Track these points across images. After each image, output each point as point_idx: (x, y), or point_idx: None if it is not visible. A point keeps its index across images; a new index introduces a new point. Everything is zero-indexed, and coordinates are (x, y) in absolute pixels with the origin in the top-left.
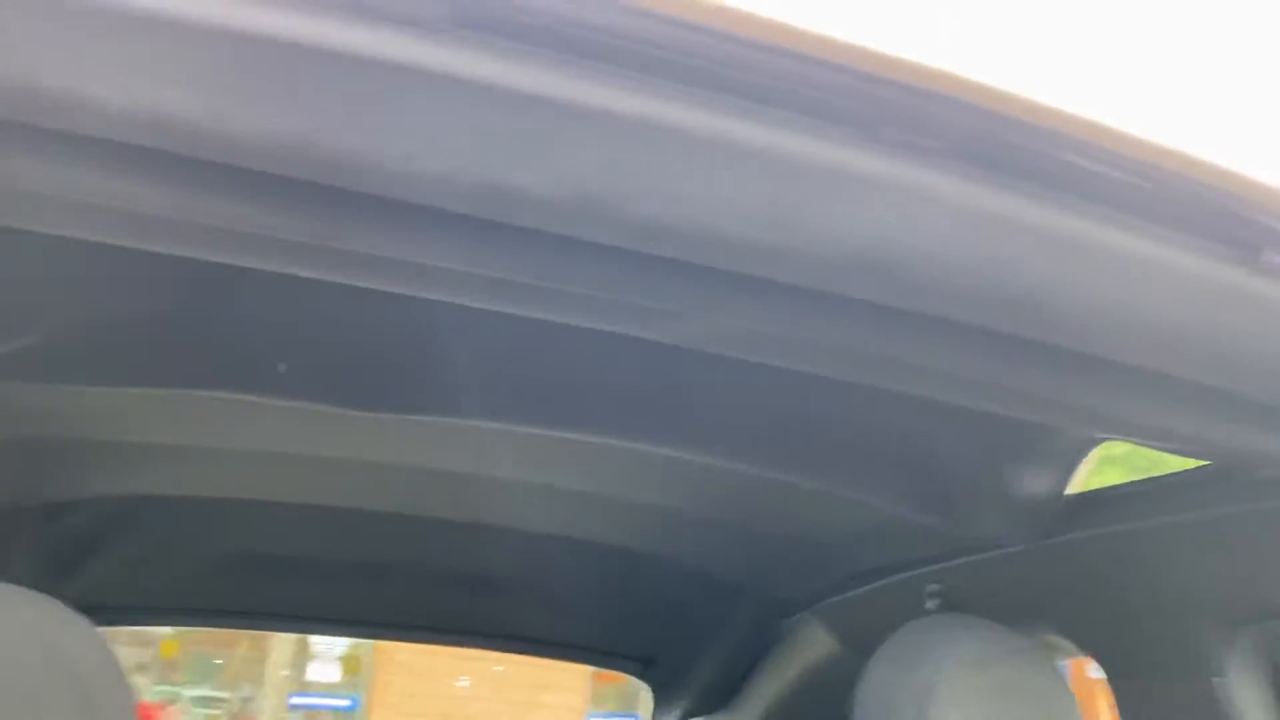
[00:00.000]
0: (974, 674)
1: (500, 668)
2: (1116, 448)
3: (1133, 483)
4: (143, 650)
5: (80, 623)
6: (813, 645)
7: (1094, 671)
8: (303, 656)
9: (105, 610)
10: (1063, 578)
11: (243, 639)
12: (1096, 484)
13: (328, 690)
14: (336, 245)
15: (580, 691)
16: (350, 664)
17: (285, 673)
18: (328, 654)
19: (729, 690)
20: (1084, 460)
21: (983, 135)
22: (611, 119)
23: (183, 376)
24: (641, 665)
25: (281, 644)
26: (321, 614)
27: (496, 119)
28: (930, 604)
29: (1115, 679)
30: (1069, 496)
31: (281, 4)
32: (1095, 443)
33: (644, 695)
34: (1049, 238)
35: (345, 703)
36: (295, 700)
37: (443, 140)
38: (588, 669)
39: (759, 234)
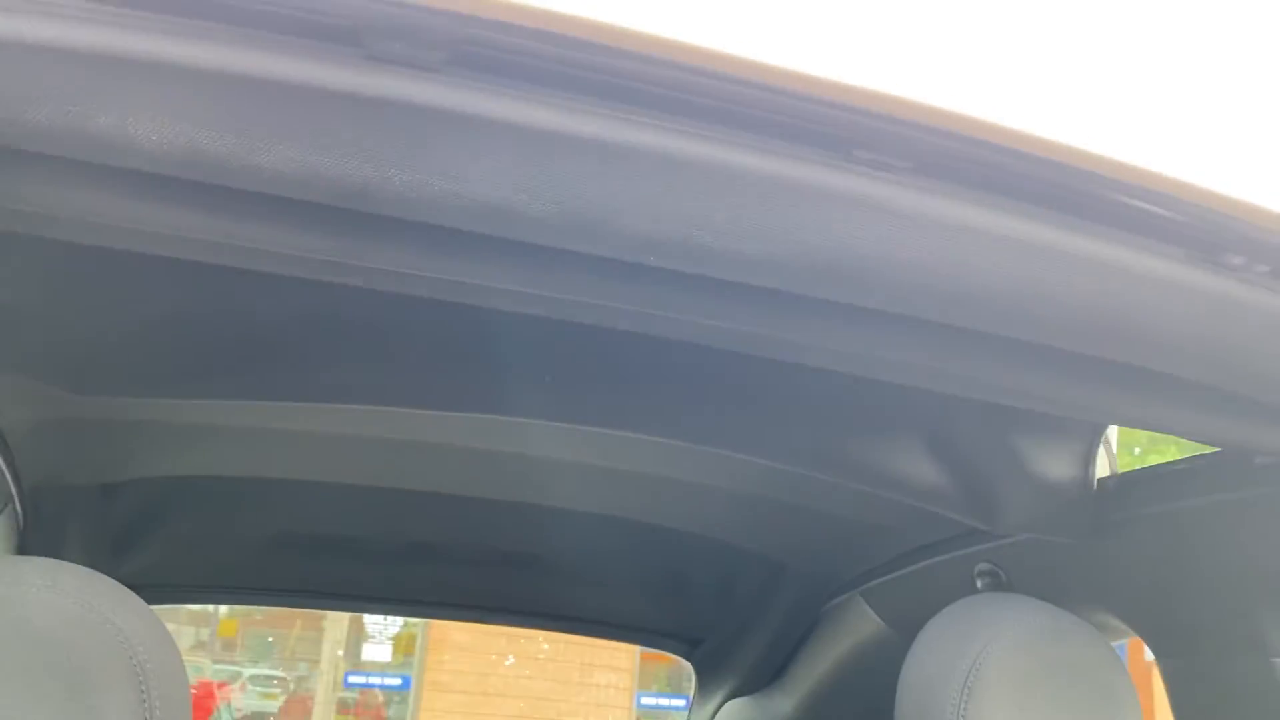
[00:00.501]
0: (1024, 653)
1: (546, 646)
2: None
3: (1186, 459)
4: (201, 629)
5: (134, 600)
6: (858, 625)
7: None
8: (357, 636)
9: (156, 588)
10: (1115, 557)
11: (299, 619)
12: (1154, 461)
13: (381, 669)
14: (355, 261)
15: (629, 671)
16: (403, 644)
17: (340, 652)
18: (381, 634)
19: (773, 670)
20: (1100, 443)
21: (953, 155)
22: (597, 146)
23: (232, 380)
24: (687, 645)
25: (336, 624)
26: (373, 593)
27: (490, 148)
28: (979, 584)
29: (1167, 659)
30: (1120, 475)
31: (302, 54)
32: (1103, 426)
33: (691, 678)
34: (1020, 245)
35: (397, 681)
36: (350, 679)
37: (445, 167)
38: (636, 650)
39: (743, 246)
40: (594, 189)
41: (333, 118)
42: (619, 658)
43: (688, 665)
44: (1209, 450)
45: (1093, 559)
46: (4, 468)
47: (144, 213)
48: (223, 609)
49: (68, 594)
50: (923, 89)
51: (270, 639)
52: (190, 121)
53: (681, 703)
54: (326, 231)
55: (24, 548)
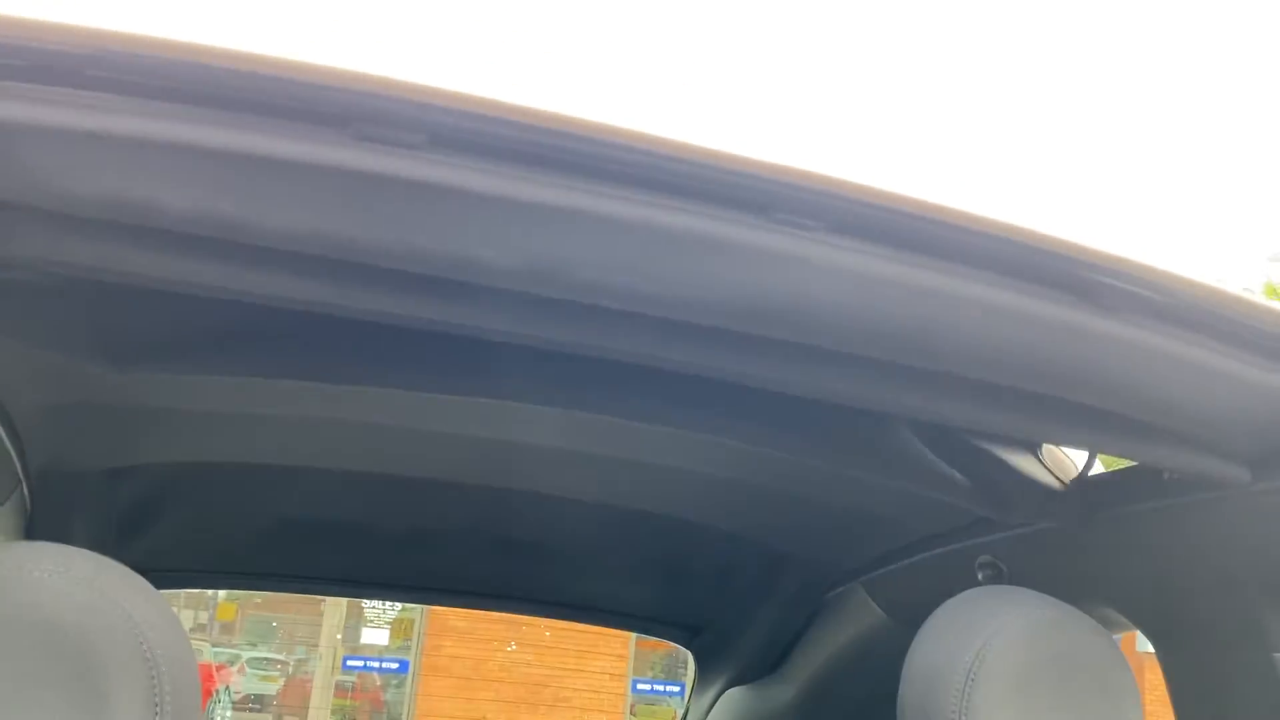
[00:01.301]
0: (1027, 646)
1: (548, 633)
2: None
3: None
4: (200, 612)
5: (144, 585)
6: (859, 616)
7: (1143, 645)
8: (356, 620)
9: (163, 573)
10: (1116, 550)
11: (298, 603)
12: None
13: (379, 653)
14: (348, 302)
15: (624, 658)
16: (402, 628)
17: (339, 636)
18: (380, 618)
19: (773, 660)
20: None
21: (859, 216)
22: (551, 211)
23: (245, 362)
24: (687, 633)
25: (335, 608)
26: (376, 579)
27: (460, 212)
28: (980, 576)
29: (1168, 653)
30: (1119, 470)
31: (301, 136)
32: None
33: (686, 664)
34: (918, 290)
35: (395, 665)
36: (349, 663)
37: (423, 227)
38: (631, 637)
39: (679, 291)
40: (550, 245)
41: (328, 187)
42: (614, 644)
43: (682, 652)
44: None
45: (1093, 552)
46: (12, 452)
47: (169, 263)
48: (221, 592)
49: (77, 579)
50: (832, 163)
51: (275, 624)
52: (209, 191)
53: (676, 689)
54: (324, 278)
55: (32, 532)
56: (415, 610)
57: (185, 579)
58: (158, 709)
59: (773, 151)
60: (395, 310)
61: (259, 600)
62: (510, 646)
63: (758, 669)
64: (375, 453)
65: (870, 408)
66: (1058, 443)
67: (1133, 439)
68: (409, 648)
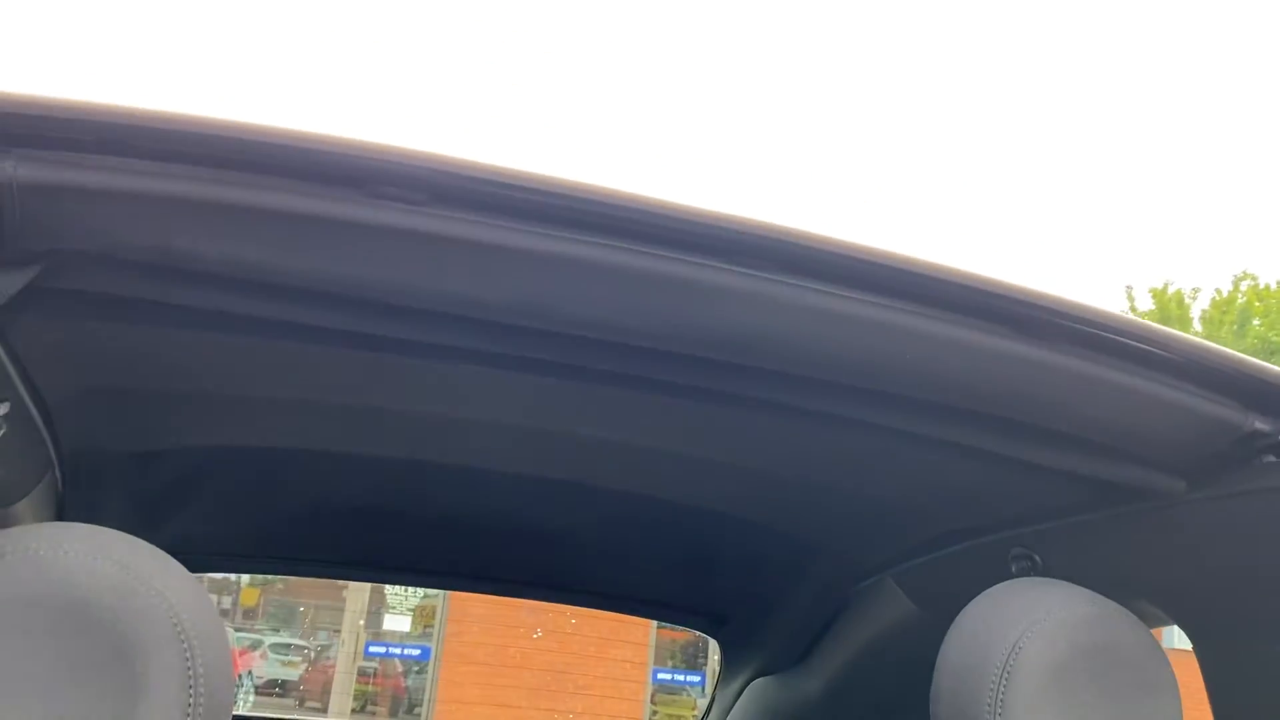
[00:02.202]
0: (1064, 639)
1: (574, 620)
2: None
3: None
4: (223, 597)
5: (176, 566)
6: (889, 608)
7: (1168, 641)
8: (378, 607)
9: (193, 556)
10: (1151, 543)
11: (320, 589)
12: None
13: (401, 640)
14: (364, 330)
15: (644, 646)
16: (424, 615)
17: (362, 622)
18: (402, 605)
19: (800, 651)
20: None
21: (813, 259)
22: (538, 255)
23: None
24: (714, 623)
25: (358, 594)
26: (405, 565)
27: (458, 258)
28: (1014, 568)
29: (1206, 647)
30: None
31: (319, 195)
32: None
33: (706, 654)
34: (868, 323)
35: (417, 652)
36: (371, 649)
37: (425, 271)
38: (652, 625)
39: (649, 324)
40: (536, 285)
41: (342, 238)
42: (635, 633)
43: (702, 642)
44: None
45: (1130, 544)
46: (45, 434)
47: (205, 298)
48: (244, 577)
49: (111, 559)
50: (782, 217)
51: (298, 609)
52: (241, 241)
53: (696, 678)
54: (339, 311)
55: (64, 514)
56: (437, 597)
57: (214, 562)
58: (191, 687)
59: (733, 204)
60: (409, 338)
61: (282, 585)
62: (536, 634)
63: (785, 660)
64: (404, 437)
65: (838, 424)
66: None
67: (1071, 454)
68: (431, 634)
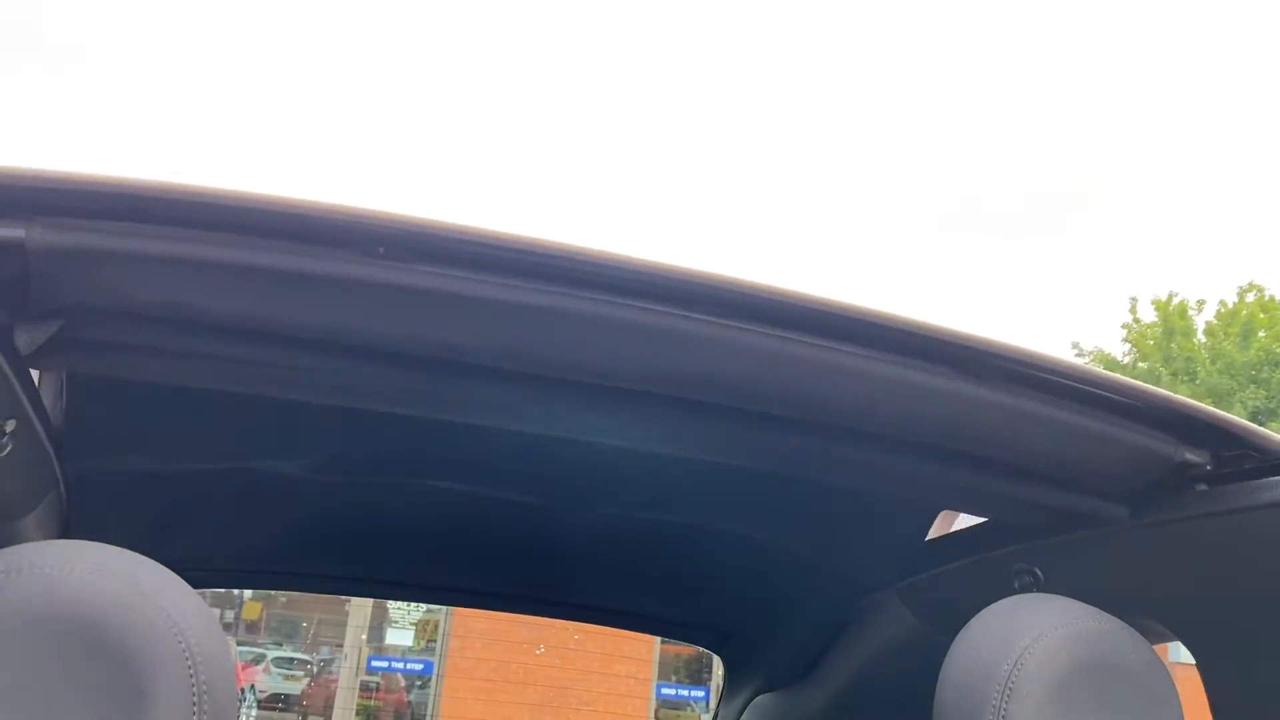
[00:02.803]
0: (1066, 654)
1: (577, 636)
2: None
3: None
4: (226, 611)
5: (180, 584)
6: (892, 623)
7: (1174, 656)
8: (381, 621)
9: (194, 571)
10: (1154, 559)
11: (323, 603)
12: None
13: (404, 654)
14: (354, 370)
15: (648, 662)
16: (427, 630)
17: (364, 636)
18: (405, 619)
19: (804, 666)
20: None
21: (756, 305)
22: (490, 303)
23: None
24: (718, 638)
25: (360, 609)
26: (407, 581)
27: (410, 306)
28: (1017, 584)
29: (1209, 663)
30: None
31: (295, 251)
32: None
33: (710, 669)
34: (808, 363)
35: (419, 666)
36: (373, 663)
37: (385, 317)
38: (656, 641)
39: (614, 365)
40: (502, 330)
41: (318, 289)
42: (639, 648)
43: (707, 656)
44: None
45: (1131, 560)
46: (50, 451)
47: (215, 347)
48: (247, 591)
49: (116, 577)
50: (731, 269)
51: (301, 623)
52: (240, 295)
53: (701, 694)
54: (332, 356)
55: (68, 530)
56: (440, 612)
57: (217, 578)
58: (196, 705)
59: (696, 259)
60: (396, 380)
61: (284, 600)
62: (539, 650)
63: (788, 675)
64: (404, 459)
65: (794, 455)
66: (943, 497)
67: (1018, 483)
68: (434, 649)
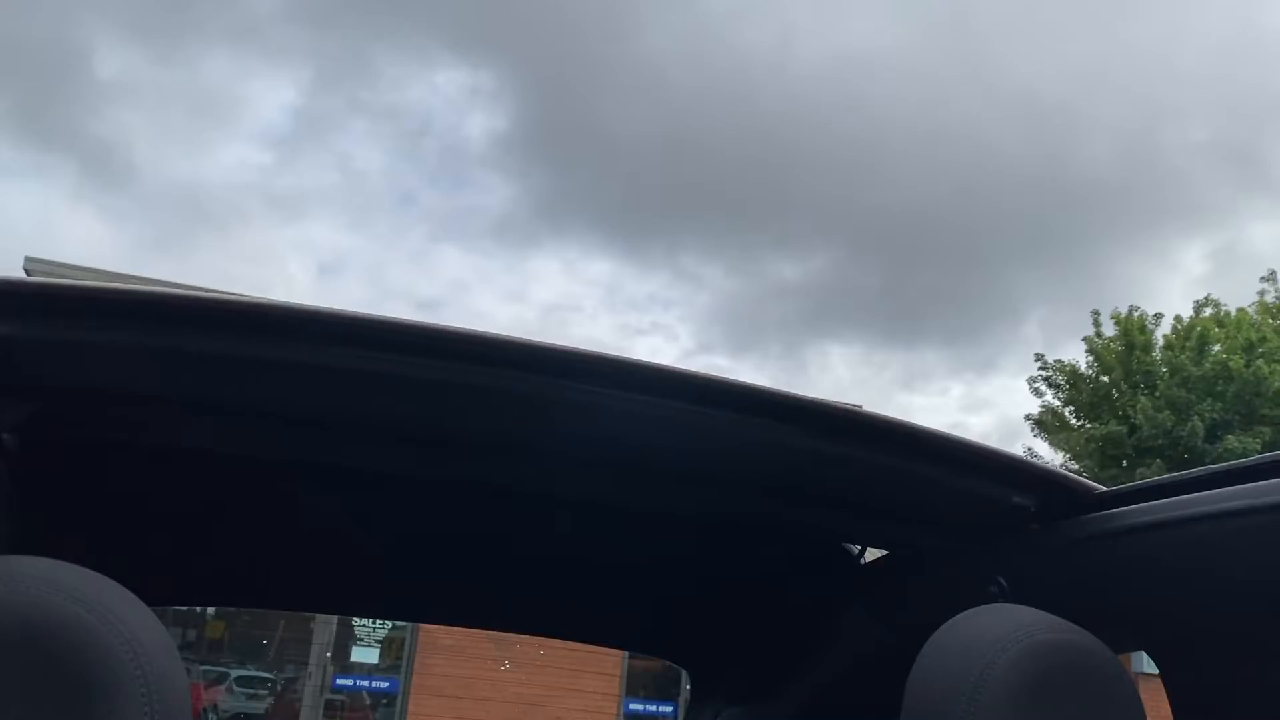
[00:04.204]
0: (1031, 664)
1: (542, 652)
2: None
3: (1191, 471)
4: (188, 630)
5: (134, 601)
6: (859, 635)
7: (1137, 666)
8: (346, 639)
9: (152, 590)
10: (1120, 569)
11: (287, 621)
12: None
13: (369, 672)
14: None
15: (616, 677)
16: (392, 647)
17: (329, 654)
18: (370, 637)
19: (770, 680)
20: None
21: (645, 379)
22: (422, 382)
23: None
24: (684, 652)
25: (324, 626)
26: (374, 597)
27: (359, 387)
28: (983, 595)
29: (1172, 672)
30: (1126, 487)
31: (260, 339)
32: None
33: (678, 683)
34: (696, 429)
35: (385, 684)
36: (338, 681)
37: (336, 395)
38: (623, 655)
39: (528, 432)
40: (426, 405)
41: (278, 373)
42: (606, 663)
43: (674, 671)
44: (1220, 463)
45: (1097, 570)
46: (4, 467)
47: (193, 423)
48: (209, 610)
49: (66, 594)
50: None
51: (264, 641)
52: (190, 377)
53: (669, 708)
54: (293, 422)
55: (21, 548)
56: (406, 629)
57: (175, 596)
58: None
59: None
60: (335, 442)
61: (247, 618)
62: (505, 666)
63: (756, 689)
64: (359, 485)
65: (698, 510)
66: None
67: (893, 527)
68: (399, 667)
